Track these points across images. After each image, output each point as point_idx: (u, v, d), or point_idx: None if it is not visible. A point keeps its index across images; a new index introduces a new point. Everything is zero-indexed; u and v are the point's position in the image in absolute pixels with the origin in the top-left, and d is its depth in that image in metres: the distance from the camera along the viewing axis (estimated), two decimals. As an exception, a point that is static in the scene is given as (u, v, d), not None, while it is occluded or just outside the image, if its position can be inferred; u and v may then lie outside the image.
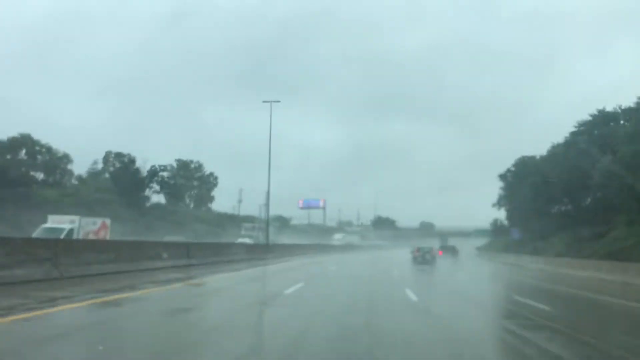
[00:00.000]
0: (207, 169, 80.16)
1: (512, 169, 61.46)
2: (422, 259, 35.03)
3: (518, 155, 62.31)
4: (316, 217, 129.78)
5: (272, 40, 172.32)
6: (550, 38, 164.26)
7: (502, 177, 64.16)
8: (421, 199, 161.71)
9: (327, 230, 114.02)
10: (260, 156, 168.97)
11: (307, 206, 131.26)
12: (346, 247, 74.27)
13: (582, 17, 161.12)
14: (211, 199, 79.99)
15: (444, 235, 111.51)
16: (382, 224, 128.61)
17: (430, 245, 43.26)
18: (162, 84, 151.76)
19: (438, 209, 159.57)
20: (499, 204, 66.78)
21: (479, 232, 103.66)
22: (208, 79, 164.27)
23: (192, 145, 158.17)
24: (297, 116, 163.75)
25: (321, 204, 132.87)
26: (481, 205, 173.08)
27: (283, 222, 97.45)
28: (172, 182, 74.57)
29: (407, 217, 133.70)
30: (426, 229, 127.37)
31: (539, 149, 71.67)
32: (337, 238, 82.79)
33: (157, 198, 69.88)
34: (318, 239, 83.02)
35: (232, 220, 77.71)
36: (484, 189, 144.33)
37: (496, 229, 77.06)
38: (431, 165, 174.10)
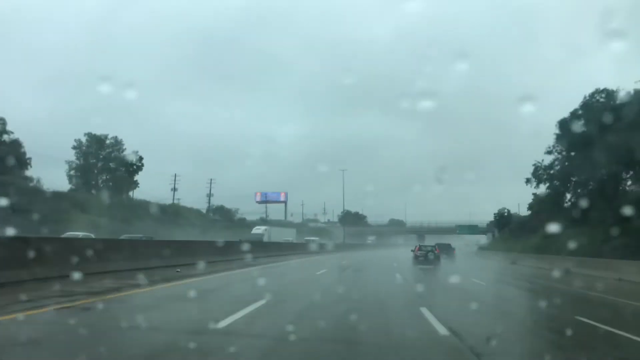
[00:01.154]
0: (130, 147, 62.89)
1: (580, 112, 39.04)
2: (425, 258, 31.41)
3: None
4: (276, 212, 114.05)
5: (231, 28, 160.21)
6: (526, 27, 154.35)
7: (563, 125, 40.30)
8: (392, 195, 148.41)
9: (288, 227, 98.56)
10: (214, 147, 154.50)
11: (265, 200, 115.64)
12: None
13: (552, 11, 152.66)
14: (132, 184, 62.86)
15: (421, 232, 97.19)
16: (351, 219, 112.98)
17: (433, 242, 39.53)
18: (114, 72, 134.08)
19: (409, 207, 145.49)
20: (539, 176, 45.86)
21: (467, 229, 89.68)
22: (163, 67, 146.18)
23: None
24: (260, 109, 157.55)
25: (282, 197, 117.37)
26: (458, 202, 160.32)
27: (227, 216, 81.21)
28: (79, 161, 57.47)
29: (377, 215, 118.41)
30: (398, 225, 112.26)
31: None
32: (257, 230, 62.60)
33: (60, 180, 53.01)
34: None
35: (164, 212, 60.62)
36: (459, 186, 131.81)
37: (502, 221, 61.69)
38: (403, 161, 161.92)
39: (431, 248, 33.66)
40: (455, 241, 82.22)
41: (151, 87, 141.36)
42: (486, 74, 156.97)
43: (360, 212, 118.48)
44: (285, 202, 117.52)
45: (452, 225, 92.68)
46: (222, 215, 77.88)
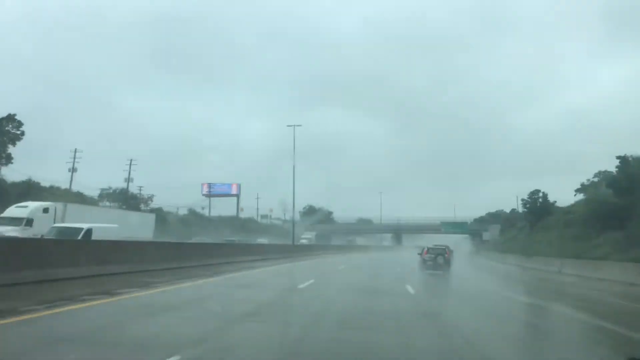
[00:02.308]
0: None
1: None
2: (434, 263, 27.85)
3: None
4: (228, 207, 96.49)
5: (188, 16, 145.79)
6: (498, 20, 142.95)
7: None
8: (363, 193, 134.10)
9: (244, 225, 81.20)
10: (170, 141, 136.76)
11: (214, 192, 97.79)
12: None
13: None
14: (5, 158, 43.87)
15: (399, 231, 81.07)
16: (315, 215, 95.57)
17: (451, 245, 35.31)
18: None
19: (384, 205, 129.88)
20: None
21: (454, 227, 74.03)
22: (117, 57, 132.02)
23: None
24: (222, 103, 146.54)
25: (233, 190, 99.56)
26: (436, 200, 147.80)
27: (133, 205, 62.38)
28: None
29: (345, 212, 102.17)
30: (368, 224, 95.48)
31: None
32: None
33: None
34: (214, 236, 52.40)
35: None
36: (436, 184, 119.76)
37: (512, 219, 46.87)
38: (373, 158, 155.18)
39: (441, 251, 29.18)
40: (441, 241, 67.48)
41: (103, 77, 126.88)
42: (460, 68, 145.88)
43: (326, 208, 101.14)
44: (237, 196, 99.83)
45: (435, 223, 76.83)
46: (127, 203, 57.59)
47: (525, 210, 39.12)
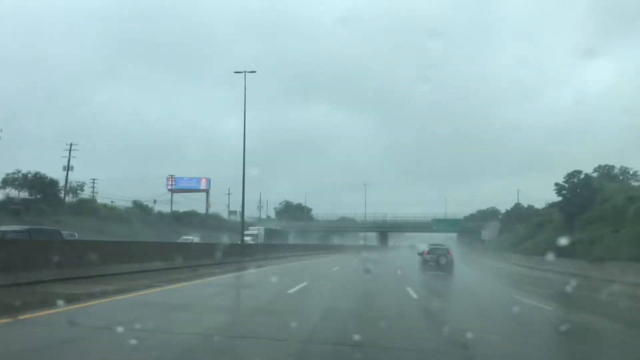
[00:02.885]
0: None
1: None
2: (436, 263, 27.08)
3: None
4: (198, 204, 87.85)
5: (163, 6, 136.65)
6: (484, 14, 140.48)
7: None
8: (345, 192, 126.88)
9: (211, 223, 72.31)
10: (143, 136, 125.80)
11: (179, 187, 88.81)
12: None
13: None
14: None
15: (384, 229, 72.77)
16: (293, 212, 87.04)
17: (447, 244, 33.28)
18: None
19: (361, 204, 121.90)
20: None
21: (447, 225, 65.86)
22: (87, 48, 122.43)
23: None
24: (199, 98, 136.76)
25: (202, 185, 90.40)
26: (420, 200, 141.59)
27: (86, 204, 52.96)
28: None
29: (327, 212, 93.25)
30: (348, 222, 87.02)
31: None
32: None
33: None
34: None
35: None
36: (419, 183, 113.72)
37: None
38: (356, 157, 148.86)
39: (444, 251, 28.33)
40: (427, 241, 60.41)
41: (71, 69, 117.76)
42: (446, 62, 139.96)
43: (306, 205, 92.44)
44: (206, 191, 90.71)
45: (424, 220, 68.60)
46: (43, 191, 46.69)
47: (563, 197, 30.38)
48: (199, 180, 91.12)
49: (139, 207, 64.85)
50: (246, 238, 42.20)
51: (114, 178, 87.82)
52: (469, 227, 67.94)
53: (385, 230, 75.98)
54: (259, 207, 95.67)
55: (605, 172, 43.19)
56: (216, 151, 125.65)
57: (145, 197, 77.08)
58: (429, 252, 28.61)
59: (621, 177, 44.46)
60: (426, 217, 68.26)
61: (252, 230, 58.56)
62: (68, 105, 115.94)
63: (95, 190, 59.36)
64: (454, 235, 79.84)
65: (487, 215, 72.83)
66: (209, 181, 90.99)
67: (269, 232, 65.09)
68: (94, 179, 59.38)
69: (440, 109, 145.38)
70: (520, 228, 46.34)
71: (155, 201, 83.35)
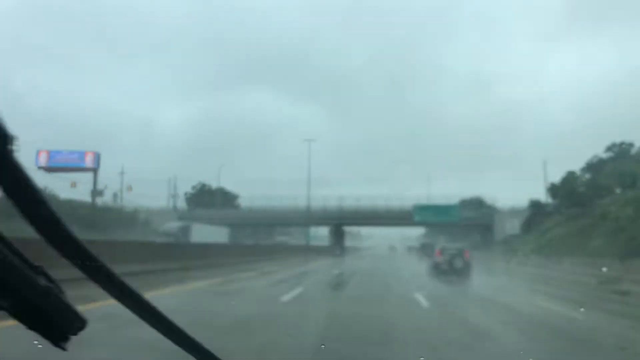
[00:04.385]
0: None
1: None
2: (449, 266, 22.45)
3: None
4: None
5: None
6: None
7: None
8: (289, 184, 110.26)
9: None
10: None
11: (56, 164, 64.70)
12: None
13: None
14: None
15: (340, 221, 51.65)
16: (214, 200, 64.56)
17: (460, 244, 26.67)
18: None
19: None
20: None
21: (438, 213, 45.56)
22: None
23: None
24: (133, 87, 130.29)
25: (87, 162, 66.12)
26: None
27: None
28: None
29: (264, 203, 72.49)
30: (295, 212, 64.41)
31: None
32: None
33: None
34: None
35: None
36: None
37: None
38: (305, 147, 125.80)
39: (458, 252, 23.39)
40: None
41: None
42: (399, 46, 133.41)
43: (231, 190, 69.71)
44: (94, 170, 66.41)
45: (402, 209, 47.96)
46: None
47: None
48: (82, 154, 66.47)
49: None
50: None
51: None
52: (471, 219, 48.57)
53: (340, 223, 54.86)
54: (173, 196, 72.24)
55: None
56: (155, 140, 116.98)
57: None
58: (440, 253, 24.00)
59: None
60: (404, 204, 47.97)
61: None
62: None
63: None
64: (423, 232, 60.11)
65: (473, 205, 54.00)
66: (97, 157, 66.57)
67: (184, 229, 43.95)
68: None
69: (395, 100, 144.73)
70: (585, 222, 27.54)
71: (45, 187, 59.64)
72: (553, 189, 38.42)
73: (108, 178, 68.02)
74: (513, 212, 47.19)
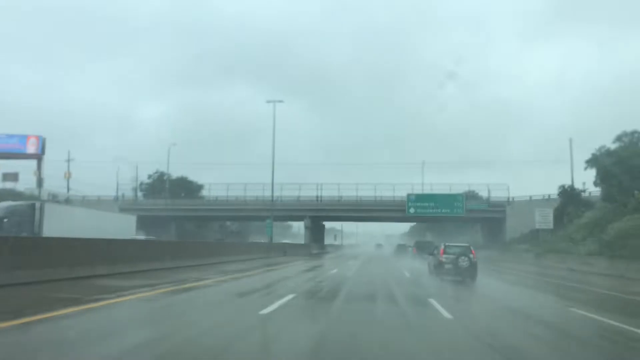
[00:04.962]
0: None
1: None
2: (454, 267, 20.82)
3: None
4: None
5: None
6: None
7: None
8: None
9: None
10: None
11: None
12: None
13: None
14: None
15: (317, 213, 43.54)
16: (175, 191, 56.00)
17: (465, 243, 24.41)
18: None
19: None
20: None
21: (446, 203, 37.96)
22: None
23: None
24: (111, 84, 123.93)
25: (28, 147, 57.48)
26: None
27: None
28: None
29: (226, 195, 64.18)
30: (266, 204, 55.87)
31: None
32: None
33: None
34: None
35: None
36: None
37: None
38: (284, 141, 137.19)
39: (464, 251, 21.66)
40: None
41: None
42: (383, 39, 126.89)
43: (193, 180, 61.15)
44: (38, 158, 57.75)
45: (395, 199, 39.82)
46: None
47: None
48: (23, 139, 57.71)
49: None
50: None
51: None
52: (479, 211, 40.28)
53: (318, 216, 46.40)
54: (135, 188, 63.38)
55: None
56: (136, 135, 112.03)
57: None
58: (444, 252, 21.97)
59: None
60: (395, 195, 39.59)
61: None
62: None
63: None
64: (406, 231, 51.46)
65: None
66: (41, 142, 57.90)
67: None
68: None
69: (377, 96, 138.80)
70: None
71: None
72: (600, 166, 29.99)
73: (60, 168, 59.02)
74: (531, 203, 39.02)
